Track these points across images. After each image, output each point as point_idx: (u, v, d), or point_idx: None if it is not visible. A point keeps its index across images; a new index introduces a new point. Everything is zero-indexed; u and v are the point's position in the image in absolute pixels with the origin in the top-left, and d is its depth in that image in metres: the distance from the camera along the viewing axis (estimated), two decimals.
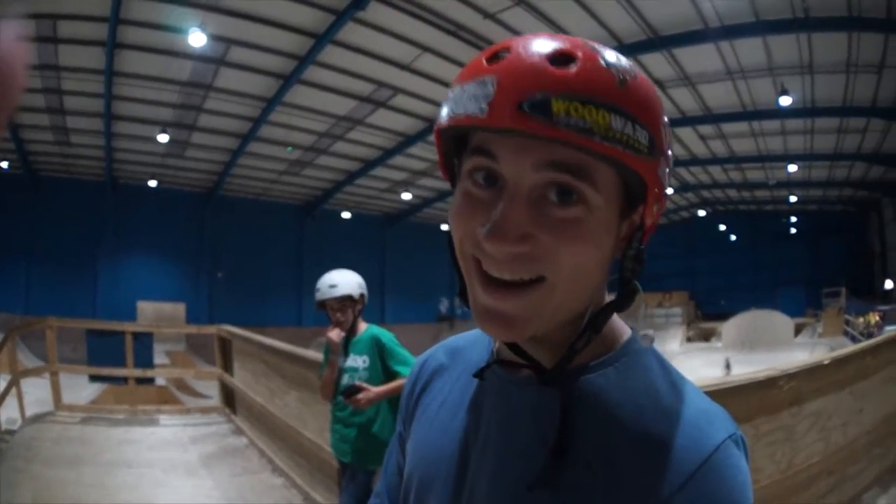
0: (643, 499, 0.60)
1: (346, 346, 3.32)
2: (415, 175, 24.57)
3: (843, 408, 3.76)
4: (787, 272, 32.25)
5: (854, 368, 3.95)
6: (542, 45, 0.58)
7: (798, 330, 23.73)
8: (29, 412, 7.80)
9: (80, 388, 9.51)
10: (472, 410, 0.77)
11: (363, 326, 3.36)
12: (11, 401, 7.75)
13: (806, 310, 27.69)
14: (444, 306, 33.37)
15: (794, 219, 32.16)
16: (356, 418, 3.20)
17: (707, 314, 32.47)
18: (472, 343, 0.86)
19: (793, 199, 28.86)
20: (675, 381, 0.68)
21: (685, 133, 20.48)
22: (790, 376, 3.26)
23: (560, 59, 0.57)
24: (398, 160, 22.38)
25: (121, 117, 18.49)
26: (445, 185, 25.85)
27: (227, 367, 8.54)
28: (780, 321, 23.67)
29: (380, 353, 3.21)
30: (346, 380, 3.24)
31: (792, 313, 24.56)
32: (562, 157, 0.58)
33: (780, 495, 3.36)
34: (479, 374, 0.75)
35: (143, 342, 8.57)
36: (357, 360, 3.24)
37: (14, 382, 7.69)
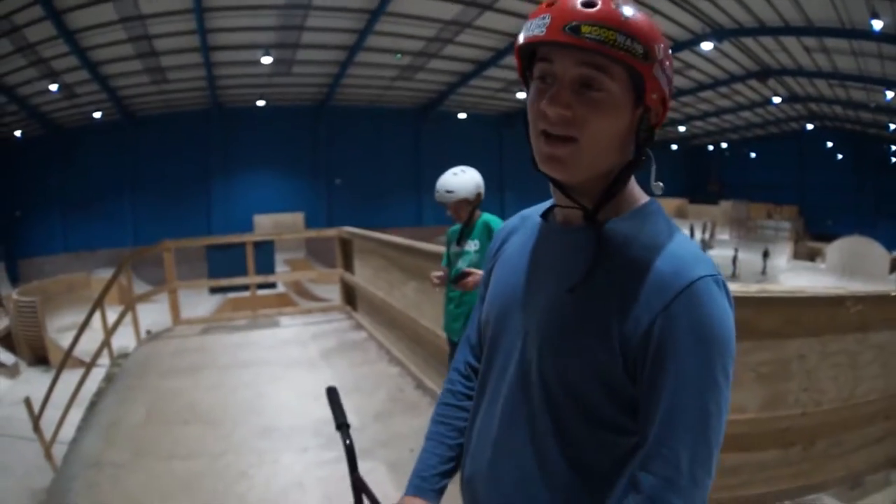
0: (641, 309, 0.95)
1: (462, 235, 3.69)
2: None
3: None
4: (888, 202, 30.91)
5: None
6: None
7: (894, 266, 22.67)
8: (144, 336, 8.31)
9: (199, 306, 10.03)
10: (534, 253, 1.16)
11: (478, 215, 3.68)
12: (124, 330, 8.21)
13: None
14: None
15: (894, 147, 30.55)
16: (467, 297, 3.59)
17: (814, 234, 31.56)
18: (536, 211, 1.23)
19: (893, 126, 27.22)
20: (673, 232, 1.03)
21: (790, 42, 20.04)
22: (857, 299, 3.33)
23: (588, 4, 0.94)
24: (510, 60, 22.00)
25: (219, 47, 19.22)
26: None
27: (348, 266, 8.96)
28: (878, 253, 22.89)
29: (489, 237, 3.53)
30: (460, 263, 3.62)
31: (890, 246, 23.51)
32: (589, 59, 0.95)
33: (839, 425, 3.49)
34: (545, 215, 1.18)
35: (265, 250, 8.87)
36: (472, 245, 3.60)
37: (129, 308, 8.13)
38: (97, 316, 7.80)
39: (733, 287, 3.82)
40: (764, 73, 23.91)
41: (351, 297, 9.07)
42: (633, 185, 1.09)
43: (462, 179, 3.60)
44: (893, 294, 3.61)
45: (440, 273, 3.74)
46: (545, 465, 1.06)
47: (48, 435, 7.76)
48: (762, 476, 3.34)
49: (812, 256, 27.32)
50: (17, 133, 23.45)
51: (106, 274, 21.92)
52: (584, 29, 0.92)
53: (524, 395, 1.09)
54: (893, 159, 31.10)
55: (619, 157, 1.03)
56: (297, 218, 26.81)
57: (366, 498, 1.39)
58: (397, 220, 25.91)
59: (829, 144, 33.68)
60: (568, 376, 1.03)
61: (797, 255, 27.51)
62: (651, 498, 0.93)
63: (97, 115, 23.72)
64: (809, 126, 33.14)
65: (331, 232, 9.42)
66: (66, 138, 24.45)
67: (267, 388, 5.92)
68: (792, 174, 35.79)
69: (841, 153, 33.62)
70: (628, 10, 0.94)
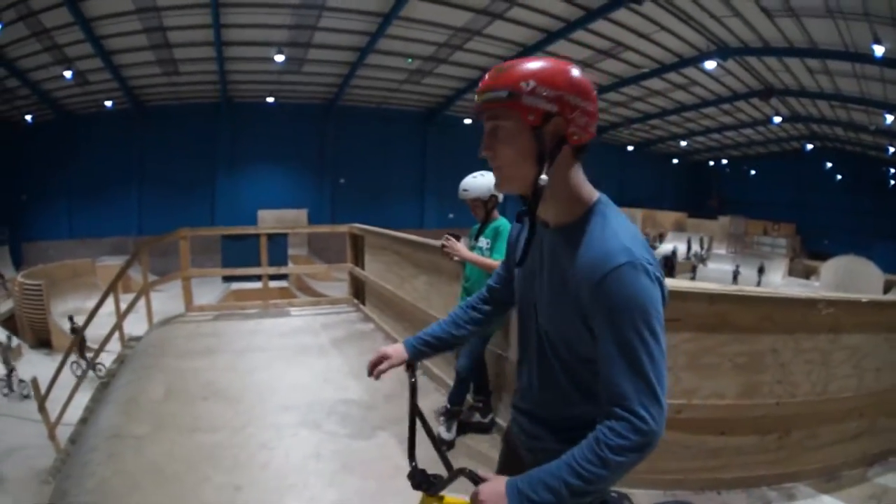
0: (585, 286, 1.36)
1: (479, 232, 4.23)
2: None
3: (879, 352, 3.92)
4: (885, 224, 31.03)
5: (891, 317, 4.01)
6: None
7: (888, 287, 22.80)
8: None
9: (202, 298, 9.98)
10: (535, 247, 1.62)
11: (496, 217, 4.23)
12: (133, 317, 8.36)
13: None
14: None
15: (893, 170, 30.95)
16: (479, 287, 4.08)
17: (811, 252, 31.87)
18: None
19: (892, 149, 27.66)
20: (616, 229, 1.39)
21: (794, 63, 20.45)
22: (829, 302, 3.60)
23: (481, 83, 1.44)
24: None
25: (232, 43, 19.55)
26: None
27: (358, 260, 9.19)
28: (872, 273, 22.92)
29: (496, 237, 4.07)
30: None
31: (886, 268, 23.63)
32: (488, 115, 1.45)
33: (814, 417, 3.74)
34: (518, 219, 1.70)
35: (278, 242, 9.05)
36: (483, 242, 4.13)
37: (143, 293, 8.29)
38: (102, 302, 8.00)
39: (714, 285, 4.13)
40: (767, 93, 24.34)
41: (359, 290, 9.30)
42: (581, 188, 1.48)
43: (478, 181, 4.13)
44: (864, 301, 3.80)
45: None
46: (560, 389, 1.55)
47: (52, 417, 7.94)
48: (741, 460, 3.63)
49: (808, 274, 27.56)
50: (28, 117, 23.69)
51: (110, 261, 22.30)
52: (476, 98, 1.47)
53: (541, 347, 1.60)
54: (892, 182, 31.35)
55: (532, 173, 1.44)
56: (301, 214, 27.14)
57: (420, 422, 1.85)
58: (399, 222, 25.78)
59: (829, 165, 34.09)
60: (561, 332, 1.51)
61: (793, 273, 27.77)
62: (619, 420, 1.31)
63: (108, 103, 24.02)
64: (809, 146, 33.52)
65: (342, 228, 9.59)
66: (76, 125, 24.72)
67: (281, 371, 6.18)
68: (790, 193, 36.21)
69: (840, 174, 34.01)
70: (494, 74, 1.43)
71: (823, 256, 27.51)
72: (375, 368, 1.89)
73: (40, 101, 22.61)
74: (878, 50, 15.81)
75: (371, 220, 9.51)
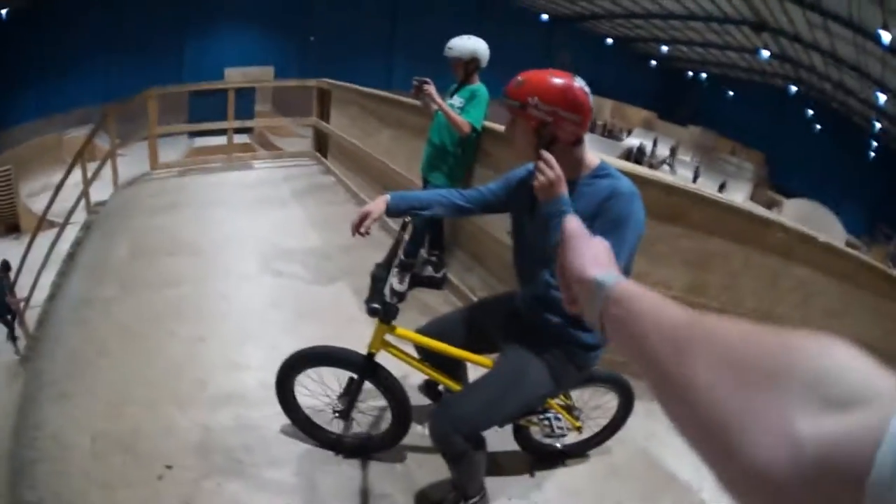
0: (596, 203, 2.05)
1: (455, 91, 4.39)
2: None
3: (828, 293, 4.02)
4: (856, 189, 30.32)
5: (844, 267, 4.10)
6: None
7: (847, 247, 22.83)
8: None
9: (167, 157, 9.67)
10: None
11: (475, 81, 4.36)
12: (99, 184, 7.97)
13: (860, 235, 26.18)
14: None
15: (874, 143, 30.31)
16: (449, 145, 4.35)
17: (777, 186, 31.44)
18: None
19: (878, 125, 27.24)
20: (611, 173, 2.13)
21: (793, 9, 20.07)
22: (784, 228, 3.75)
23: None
24: None
25: None
26: None
27: (324, 115, 9.23)
28: (835, 228, 22.83)
29: (470, 99, 4.23)
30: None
31: (847, 229, 23.82)
32: (510, 111, 2.11)
33: None
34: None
35: (245, 97, 8.96)
36: (456, 100, 4.28)
37: (109, 156, 8.06)
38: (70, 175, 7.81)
39: (674, 179, 4.29)
40: (759, 26, 23.71)
41: (322, 145, 9.42)
42: (580, 160, 2.14)
43: (462, 42, 4.26)
44: (820, 240, 3.85)
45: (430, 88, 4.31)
46: (543, 281, 2.28)
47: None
48: None
49: (770, 206, 27.23)
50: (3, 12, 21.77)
51: (77, 133, 21.56)
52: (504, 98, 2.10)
53: (532, 256, 2.34)
54: (873, 154, 30.77)
55: (535, 153, 2.05)
56: (267, 72, 26.38)
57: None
58: (366, 81, 25.80)
59: (810, 113, 32.93)
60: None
61: (755, 199, 27.66)
62: None
63: None
64: (794, 88, 32.33)
65: (311, 82, 9.57)
66: (49, 9, 23.11)
67: (243, 222, 6.29)
68: (765, 125, 34.75)
69: (820, 125, 32.99)
70: (515, 84, 2.05)
71: (789, 194, 27.43)
72: (361, 225, 2.33)
73: None
74: (885, 36, 15.78)
75: (339, 78, 9.42)
